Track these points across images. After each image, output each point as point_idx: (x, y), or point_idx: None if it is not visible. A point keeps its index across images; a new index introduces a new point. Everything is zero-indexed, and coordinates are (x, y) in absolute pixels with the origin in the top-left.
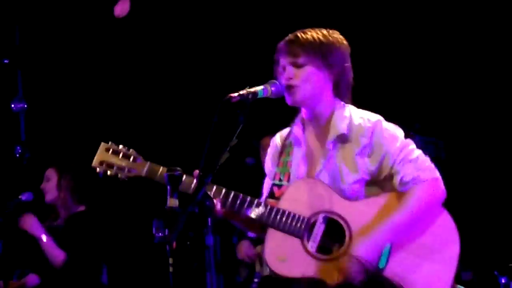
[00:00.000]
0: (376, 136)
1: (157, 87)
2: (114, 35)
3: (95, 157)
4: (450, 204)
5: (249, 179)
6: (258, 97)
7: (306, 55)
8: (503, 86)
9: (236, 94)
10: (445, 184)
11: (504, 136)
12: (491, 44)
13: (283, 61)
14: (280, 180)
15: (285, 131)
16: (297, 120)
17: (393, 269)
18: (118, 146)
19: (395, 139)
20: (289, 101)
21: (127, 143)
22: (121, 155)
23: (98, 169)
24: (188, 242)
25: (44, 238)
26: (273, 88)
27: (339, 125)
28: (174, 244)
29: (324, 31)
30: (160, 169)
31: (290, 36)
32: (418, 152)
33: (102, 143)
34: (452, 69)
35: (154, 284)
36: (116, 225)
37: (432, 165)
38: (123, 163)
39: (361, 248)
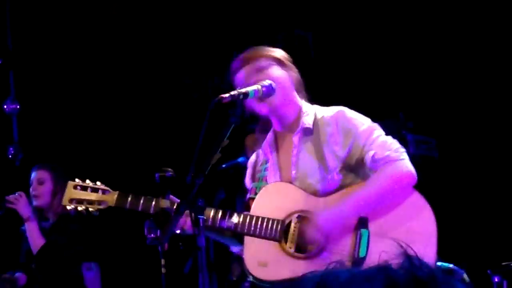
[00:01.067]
0: (341, 122)
1: (151, 88)
2: (107, 36)
3: (64, 196)
4: (443, 203)
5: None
6: (249, 97)
7: (264, 59)
8: (495, 85)
9: (227, 95)
10: (438, 182)
11: (496, 135)
12: (482, 45)
13: (246, 73)
14: (255, 193)
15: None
16: (269, 133)
17: (374, 256)
18: (85, 181)
19: (362, 123)
20: (263, 111)
21: (119, 143)
22: (89, 189)
23: (68, 207)
24: (180, 243)
25: (30, 220)
26: (264, 89)
27: (304, 120)
28: (166, 245)
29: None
30: (129, 198)
31: (238, 59)
32: (387, 136)
33: (69, 182)
34: (445, 69)
35: (147, 285)
36: (107, 226)
37: (402, 148)
38: (92, 197)
39: (321, 217)
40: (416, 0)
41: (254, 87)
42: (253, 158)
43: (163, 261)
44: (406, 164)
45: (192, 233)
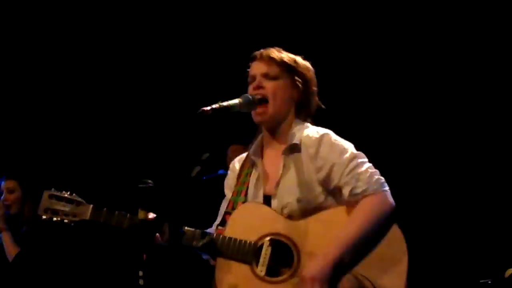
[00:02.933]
0: (322, 147)
1: (131, 96)
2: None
3: (40, 205)
4: (420, 219)
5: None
6: (231, 111)
7: (279, 68)
8: (488, 88)
9: (208, 108)
10: (412, 197)
11: (491, 142)
12: (473, 51)
13: (255, 70)
14: (232, 208)
15: (243, 155)
16: (256, 143)
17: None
18: (61, 192)
19: (343, 151)
20: (256, 119)
21: (98, 152)
22: (64, 200)
23: (43, 217)
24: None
25: (4, 230)
26: (245, 102)
27: (293, 137)
28: (144, 256)
29: (298, 57)
30: (104, 212)
31: (267, 48)
32: (368, 165)
33: (45, 191)
34: (437, 75)
35: None
36: (84, 234)
37: (382, 179)
38: (67, 209)
39: (313, 268)
40: (406, 4)
41: (236, 100)
42: (235, 166)
43: (141, 273)
44: (385, 196)
45: (168, 244)
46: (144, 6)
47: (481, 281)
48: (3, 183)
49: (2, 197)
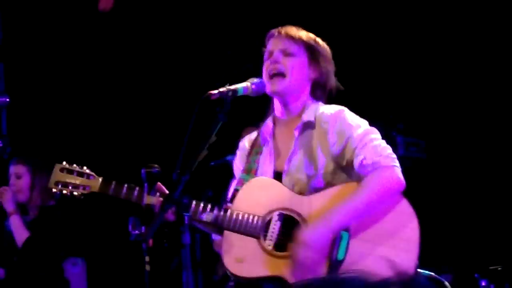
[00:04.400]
0: (338, 122)
1: (140, 82)
2: (97, 30)
3: (51, 178)
4: (431, 205)
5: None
6: (238, 94)
7: (297, 46)
8: (485, 88)
9: (215, 92)
10: (427, 184)
11: (485, 138)
12: (471, 48)
13: (273, 46)
14: (242, 185)
15: (254, 133)
16: (268, 119)
17: (352, 259)
18: (72, 165)
19: (358, 125)
20: (271, 89)
21: (107, 138)
22: (75, 173)
23: (54, 190)
24: (165, 240)
25: (14, 213)
26: (253, 86)
27: (306, 114)
28: (151, 242)
29: (318, 37)
30: (113, 185)
31: (286, 26)
32: (381, 140)
33: (56, 164)
34: (436, 71)
35: (130, 282)
36: (90, 222)
37: (394, 155)
38: (77, 181)
39: (307, 232)
40: (404, 4)
41: (244, 84)
42: (245, 145)
43: (147, 258)
44: (396, 171)
45: (173, 219)
46: None
47: (490, 267)
48: (11, 168)
49: (10, 181)
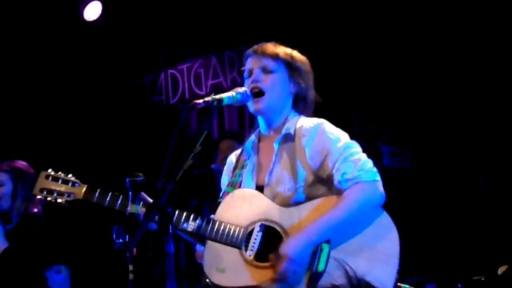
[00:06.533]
0: (317, 135)
1: (124, 90)
2: (82, 39)
3: (36, 185)
4: (415, 215)
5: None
6: (223, 104)
7: (276, 62)
8: (469, 99)
9: (201, 101)
10: (411, 194)
11: (469, 148)
12: (455, 59)
13: (252, 64)
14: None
15: (240, 149)
16: (253, 134)
17: (334, 272)
18: (57, 173)
19: (338, 139)
20: (255, 107)
21: (91, 146)
22: (60, 181)
23: (38, 196)
24: (149, 251)
25: None
26: (238, 96)
27: (286, 127)
28: (135, 250)
29: (294, 51)
30: (97, 193)
31: (262, 43)
32: (362, 154)
33: (42, 171)
34: (420, 82)
35: None
36: (74, 230)
37: (375, 169)
38: (62, 189)
39: (288, 246)
40: (390, 14)
41: (229, 93)
42: (232, 160)
43: (131, 267)
44: (376, 186)
45: (156, 227)
46: None
47: (474, 277)
48: None
49: None
